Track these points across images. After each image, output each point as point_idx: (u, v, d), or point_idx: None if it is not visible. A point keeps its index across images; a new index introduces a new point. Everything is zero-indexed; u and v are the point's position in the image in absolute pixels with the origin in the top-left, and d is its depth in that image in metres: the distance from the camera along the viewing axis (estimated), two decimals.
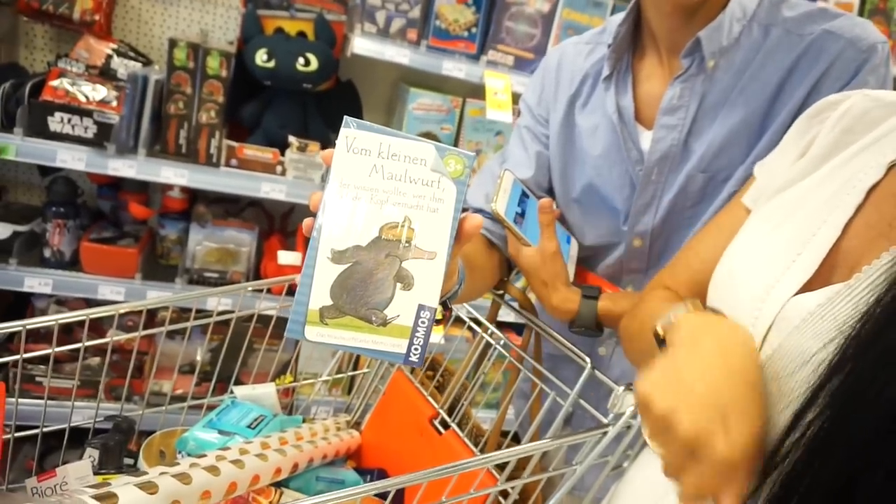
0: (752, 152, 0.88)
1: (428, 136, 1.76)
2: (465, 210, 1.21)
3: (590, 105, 1.01)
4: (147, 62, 1.71)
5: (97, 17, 1.64)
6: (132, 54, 1.69)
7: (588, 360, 0.87)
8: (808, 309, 0.52)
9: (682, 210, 0.94)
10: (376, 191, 0.58)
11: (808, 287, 0.54)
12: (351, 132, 0.58)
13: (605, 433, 0.74)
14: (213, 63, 1.55)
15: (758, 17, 0.89)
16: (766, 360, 0.54)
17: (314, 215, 0.59)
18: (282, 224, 1.91)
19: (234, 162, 1.62)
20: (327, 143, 1.74)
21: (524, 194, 1.00)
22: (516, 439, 1.12)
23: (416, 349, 0.58)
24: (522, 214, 0.99)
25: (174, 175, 1.57)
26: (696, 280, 0.67)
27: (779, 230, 0.62)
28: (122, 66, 1.66)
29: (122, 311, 0.89)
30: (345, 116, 0.60)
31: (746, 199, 0.72)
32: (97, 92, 1.57)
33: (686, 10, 0.86)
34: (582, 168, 1.01)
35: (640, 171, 0.95)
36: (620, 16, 0.96)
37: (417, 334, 0.58)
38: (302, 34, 1.66)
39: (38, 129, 1.51)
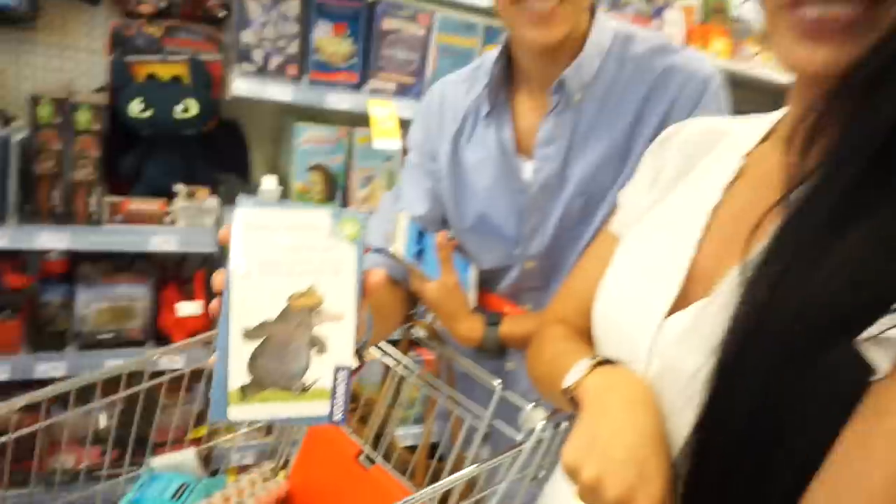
0: (621, 175, 0.97)
1: (318, 168, 1.77)
2: (366, 250, 1.25)
3: (473, 140, 1.07)
4: (6, 120, 1.60)
5: None
6: None
7: (498, 382, 0.93)
8: (682, 327, 0.58)
9: (567, 231, 1.02)
10: (278, 263, 0.60)
11: (678, 306, 0.60)
12: (245, 211, 0.60)
13: (520, 451, 0.80)
14: (82, 117, 1.48)
15: (612, 53, 0.98)
16: (651, 381, 0.60)
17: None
18: (176, 272, 1.84)
19: (118, 217, 1.55)
20: (216, 186, 1.71)
21: (420, 232, 1.04)
22: (442, 458, 1.16)
23: (338, 408, 0.61)
24: (421, 251, 1.03)
25: (53, 239, 1.48)
26: (582, 309, 0.73)
27: (642, 256, 0.69)
28: None
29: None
30: (239, 195, 0.61)
31: (613, 227, 0.79)
32: None
33: (549, 51, 0.94)
34: (472, 199, 1.07)
35: (526, 200, 1.02)
36: (494, 52, 1.03)
37: (337, 394, 0.61)
38: (176, 79, 1.61)
39: None
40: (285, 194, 1.75)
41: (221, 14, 1.69)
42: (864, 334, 0.43)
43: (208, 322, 1.72)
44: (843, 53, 0.48)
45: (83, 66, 1.78)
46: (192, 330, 1.71)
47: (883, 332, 0.42)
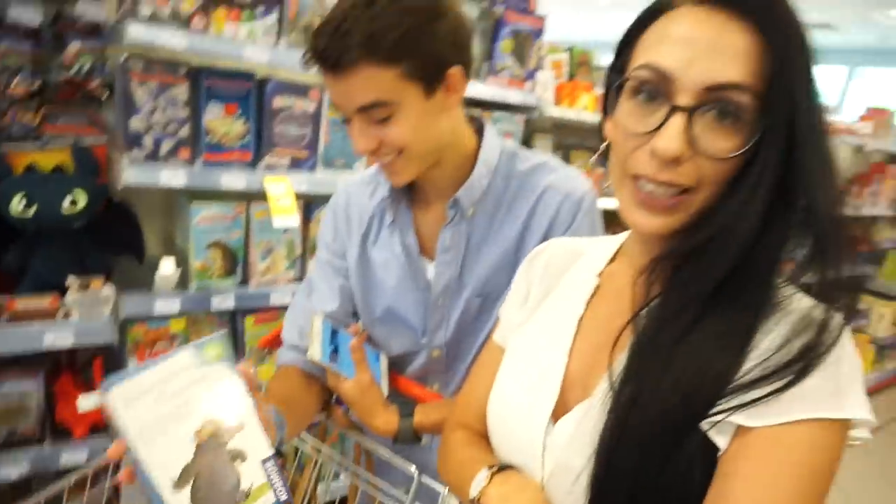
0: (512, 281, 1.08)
1: (217, 245, 1.78)
2: (268, 344, 1.31)
3: (380, 241, 1.15)
4: None
5: None
6: None
7: (415, 468, 1.02)
8: (568, 431, 0.68)
9: (467, 326, 1.12)
10: (169, 415, 0.66)
11: (558, 410, 0.70)
12: (117, 389, 0.65)
13: None
14: None
15: (499, 171, 1.09)
16: (545, 481, 0.69)
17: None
18: (70, 361, 1.77)
19: (4, 318, 1.49)
20: (110, 273, 1.67)
21: (334, 331, 1.12)
22: None
23: (280, 491, 0.69)
24: (336, 350, 1.11)
25: None
26: (480, 415, 0.83)
27: (523, 367, 0.78)
28: None
29: None
30: (102, 378, 0.65)
31: (497, 338, 0.89)
32: None
33: (420, 180, 1.06)
34: (381, 295, 1.16)
35: (429, 297, 1.12)
36: None
37: (274, 481, 0.69)
38: (59, 168, 1.56)
39: None
40: (185, 274, 1.74)
41: (104, 96, 1.65)
42: (706, 422, 0.58)
43: None
44: (668, 222, 0.64)
45: None
46: (92, 422, 1.66)
47: (719, 419, 0.58)
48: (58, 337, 1.53)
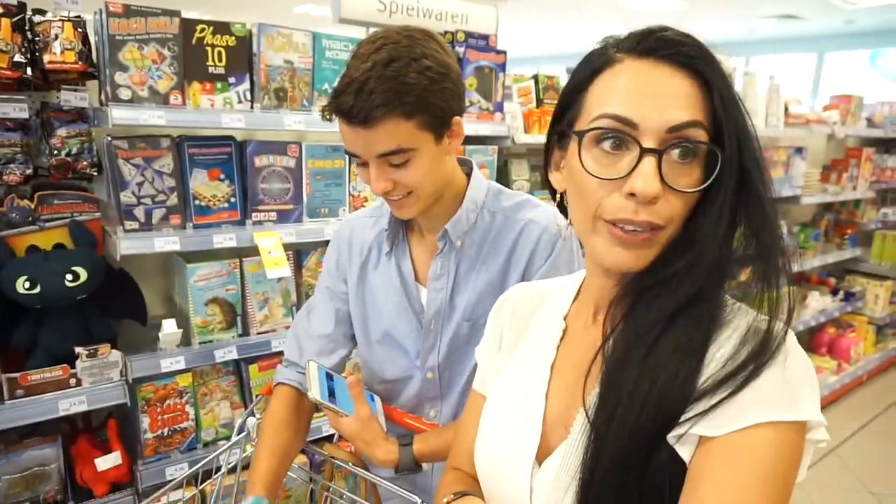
0: None
1: (216, 300, 1.87)
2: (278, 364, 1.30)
3: (379, 269, 1.26)
4: None
5: None
6: None
7: (417, 499, 1.08)
8: (553, 471, 0.71)
9: (458, 349, 1.21)
10: None
11: (542, 451, 0.74)
12: None
13: None
14: None
15: (486, 206, 1.20)
16: None
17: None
18: (85, 424, 1.86)
19: (19, 392, 1.57)
20: (116, 338, 1.76)
21: (328, 375, 1.21)
22: None
23: None
24: (333, 391, 1.19)
25: None
26: (469, 459, 0.87)
27: (503, 413, 0.82)
28: None
29: None
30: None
31: (477, 386, 0.94)
32: None
33: (421, 216, 1.16)
34: (378, 319, 1.26)
35: (423, 321, 1.21)
36: None
37: None
38: (59, 245, 1.66)
39: None
40: (187, 331, 1.83)
41: (94, 172, 1.76)
42: (671, 436, 0.63)
43: (128, 471, 1.76)
44: (643, 256, 0.69)
45: None
46: (112, 480, 1.74)
47: (682, 432, 0.63)
48: (72, 403, 1.62)
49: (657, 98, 0.65)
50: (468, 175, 1.21)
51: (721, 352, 0.65)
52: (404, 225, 1.24)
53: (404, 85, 0.99)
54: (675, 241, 0.69)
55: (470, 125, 2.28)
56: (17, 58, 1.55)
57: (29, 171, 1.70)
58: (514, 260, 1.17)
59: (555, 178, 0.78)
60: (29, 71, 1.58)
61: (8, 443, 1.70)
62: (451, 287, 1.20)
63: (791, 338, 0.65)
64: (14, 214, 1.64)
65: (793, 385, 0.62)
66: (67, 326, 1.66)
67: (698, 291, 0.66)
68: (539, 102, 2.78)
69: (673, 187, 0.65)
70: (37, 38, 1.59)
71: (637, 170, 0.65)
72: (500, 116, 2.37)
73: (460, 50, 2.24)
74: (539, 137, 2.51)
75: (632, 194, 0.65)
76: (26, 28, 1.59)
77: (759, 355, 0.62)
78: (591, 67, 0.71)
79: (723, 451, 0.61)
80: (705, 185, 0.66)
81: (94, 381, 1.67)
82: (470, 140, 2.36)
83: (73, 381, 1.64)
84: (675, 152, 0.65)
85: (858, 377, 4.40)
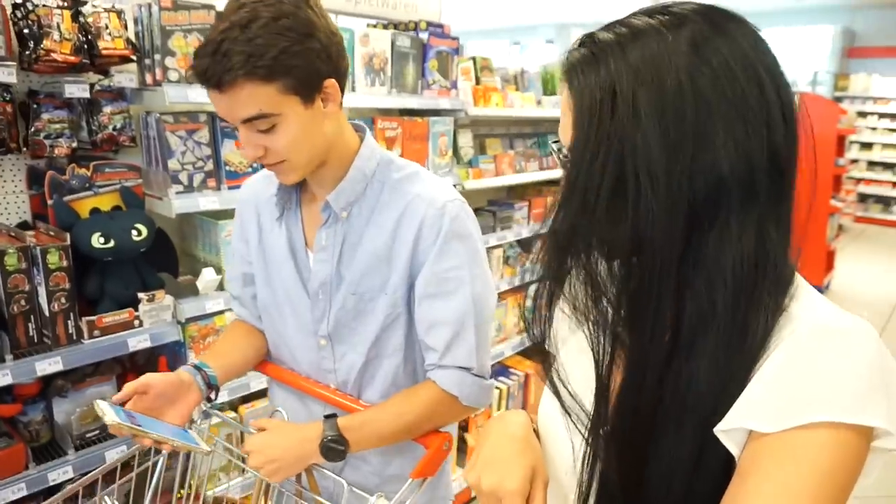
0: (388, 284, 1.15)
1: None
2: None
3: (273, 232, 1.24)
4: None
5: None
6: None
7: (344, 482, 1.11)
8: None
9: (347, 321, 1.20)
10: None
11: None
12: None
13: None
14: (53, 258, 1.75)
15: (377, 176, 1.17)
16: (585, 488, 0.70)
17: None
18: (132, 363, 2.13)
19: (96, 333, 1.85)
20: (163, 285, 2.05)
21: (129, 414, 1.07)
22: None
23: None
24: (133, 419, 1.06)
25: (49, 365, 1.74)
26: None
27: (570, 377, 0.76)
28: None
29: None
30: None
31: (550, 344, 0.82)
32: None
33: (310, 176, 1.15)
34: (279, 282, 1.26)
35: (310, 290, 1.21)
36: None
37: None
38: (117, 207, 1.93)
39: None
40: (222, 280, 2.15)
41: (132, 145, 2.02)
42: (718, 429, 0.59)
43: None
44: None
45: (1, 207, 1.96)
46: None
47: (730, 427, 0.58)
48: (139, 341, 1.92)
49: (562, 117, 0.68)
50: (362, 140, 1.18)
51: (785, 342, 0.59)
52: (297, 189, 1.21)
53: (259, 47, 0.94)
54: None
55: (433, 100, 2.72)
56: (76, 45, 1.79)
57: (74, 145, 1.94)
58: (400, 233, 1.13)
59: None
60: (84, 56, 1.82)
61: (74, 381, 1.95)
62: (338, 258, 1.17)
63: (866, 332, 0.59)
64: (74, 182, 1.88)
65: (862, 386, 0.56)
66: (128, 276, 1.94)
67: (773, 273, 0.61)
68: (477, 80, 3.25)
69: None
70: (89, 28, 1.84)
71: None
72: (455, 93, 2.82)
73: (424, 36, 2.66)
74: (484, 110, 3.00)
75: None
76: (80, 19, 1.82)
77: (822, 348, 0.57)
78: None
79: (776, 447, 0.56)
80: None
81: (152, 321, 1.96)
82: (432, 112, 2.80)
83: (136, 322, 1.93)
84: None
85: None
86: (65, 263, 1.78)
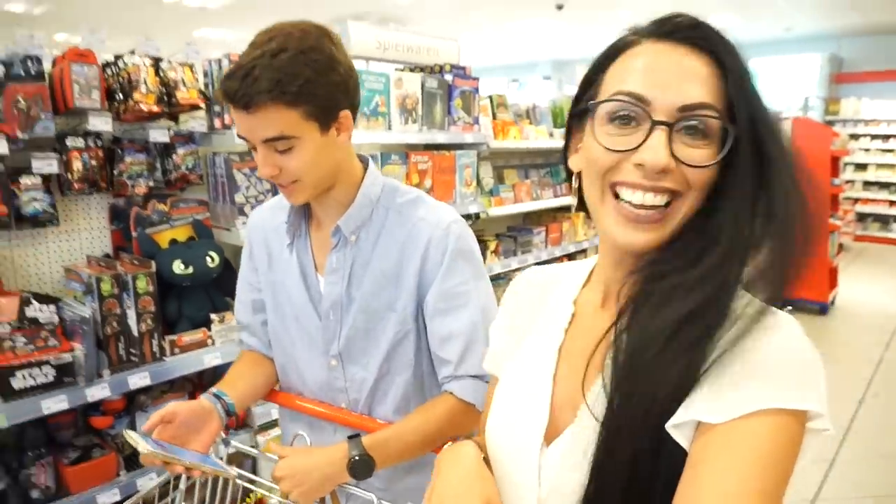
0: (397, 303, 1.20)
1: None
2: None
3: (283, 259, 1.29)
4: (51, 299, 1.98)
5: None
6: (34, 299, 1.95)
7: (373, 496, 1.11)
8: (561, 452, 0.71)
9: (357, 340, 1.23)
10: None
11: (549, 433, 0.74)
12: None
13: None
14: (141, 284, 1.97)
15: (381, 202, 1.22)
16: (542, 500, 0.73)
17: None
18: (199, 382, 2.33)
19: (176, 351, 2.05)
20: (230, 308, 2.27)
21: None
22: None
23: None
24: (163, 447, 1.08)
25: (139, 379, 1.94)
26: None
27: (513, 395, 0.82)
28: (36, 312, 1.91)
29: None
30: None
31: (489, 366, 0.92)
32: (34, 341, 1.83)
33: (315, 202, 1.20)
34: (289, 307, 1.29)
35: (321, 311, 1.24)
36: None
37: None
38: (191, 238, 2.16)
39: (6, 393, 1.73)
40: None
41: (199, 182, 2.26)
42: (669, 424, 0.62)
43: (245, 413, 2.27)
44: (653, 237, 0.67)
45: (88, 240, 2.19)
46: (231, 422, 2.24)
47: (680, 421, 0.61)
48: (212, 358, 2.12)
49: (673, 78, 0.65)
50: (366, 171, 1.23)
51: (723, 338, 0.63)
52: (306, 217, 1.26)
53: (288, 75, 1.01)
54: (691, 230, 0.67)
55: (458, 135, 2.98)
56: (159, 96, 2.05)
57: (151, 184, 2.18)
58: (406, 254, 1.19)
59: (572, 161, 0.77)
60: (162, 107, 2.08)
61: (154, 397, 2.15)
62: (347, 280, 1.21)
63: (793, 325, 0.64)
64: (154, 216, 2.12)
65: (794, 373, 0.60)
66: (201, 299, 2.15)
67: (719, 287, 0.63)
68: (494, 116, 3.53)
69: (684, 162, 0.64)
70: (168, 81, 2.10)
71: (647, 142, 0.65)
72: (477, 128, 3.08)
73: (449, 77, 2.93)
74: (503, 143, 3.26)
75: (640, 165, 0.65)
76: (160, 73, 2.09)
77: (756, 341, 0.61)
78: (611, 49, 0.72)
79: (723, 437, 0.59)
80: (715, 161, 0.65)
81: (222, 340, 2.17)
82: (457, 146, 3.05)
83: (209, 341, 2.14)
84: (686, 129, 0.65)
85: None
86: (151, 288, 1.99)
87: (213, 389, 1.25)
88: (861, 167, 10.66)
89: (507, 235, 3.54)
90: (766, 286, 0.65)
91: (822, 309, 6.19)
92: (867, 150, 10.55)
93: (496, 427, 0.82)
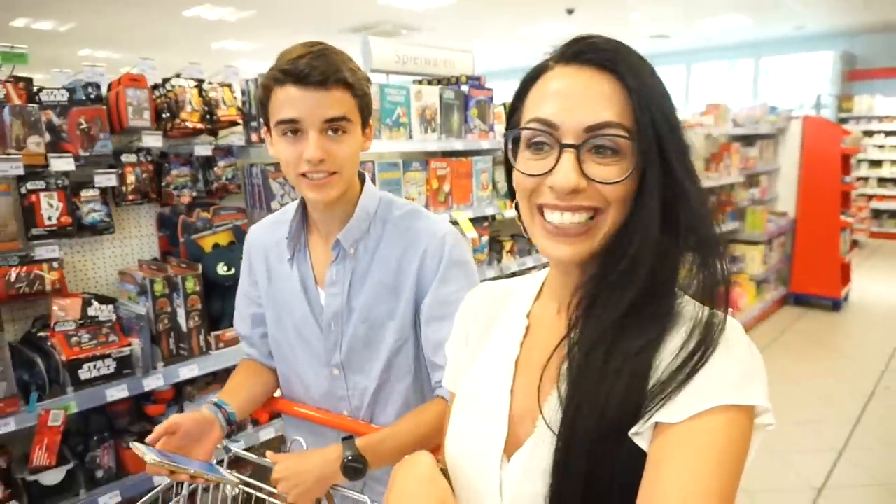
0: (396, 311, 1.24)
1: None
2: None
3: (283, 273, 1.32)
4: (108, 300, 2.18)
5: (57, 284, 2.06)
6: (94, 300, 2.15)
7: (366, 498, 1.12)
8: (522, 463, 0.73)
9: (358, 350, 1.27)
10: None
11: (509, 445, 0.75)
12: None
13: None
14: (189, 284, 2.17)
15: (379, 215, 1.26)
16: None
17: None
18: None
19: (221, 345, 2.25)
20: None
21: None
22: None
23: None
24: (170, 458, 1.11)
25: (190, 371, 2.14)
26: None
27: (471, 409, 0.83)
28: (97, 311, 2.12)
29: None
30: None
31: (447, 383, 0.93)
32: (97, 337, 2.03)
33: (329, 207, 1.20)
34: (290, 319, 1.33)
35: (322, 323, 1.27)
36: (293, 206, 1.31)
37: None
38: (232, 242, 2.36)
39: (75, 383, 1.93)
40: None
41: (237, 191, 2.47)
42: (632, 430, 0.64)
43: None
44: (582, 249, 0.71)
45: (138, 246, 2.40)
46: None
47: (643, 424, 0.64)
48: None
49: (577, 99, 0.68)
50: (363, 184, 1.27)
51: (673, 343, 0.66)
52: (305, 230, 1.30)
53: (350, 69, 1.12)
54: (618, 238, 0.70)
55: (474, 142, 3.16)
56: (202, 114, 2.25)
57: (194, 194, 2.39)
58: (404, 264, 1.23)
59: (515, 178, 0.78)
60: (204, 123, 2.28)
61: (199, 388, 2.35)
62: (347, 291, 1.25)
63: (736, 327, 0.68)
64: (199, 223, 2.32)
65: (741, 371, 0.64)
66: None
67: (650, 287, 0.68)
68: None
69: (595, 179, 0.68)
70: (209, 100, 2.30)
71: (557, 166, 0.68)
72: (492, 135, 3.26)
73: (465, 88, 3.11)
74: None
75: (552, 188, 0.69)
76: (203, 94, 2.29)
77: (704, 343, 0.65)
78: (530, 75, 0.75)
79: (679, 436, 0.62)
80: (625, 176, 0.67)
81: None
82: (474, 153, 3.23)
83: None
84: (594, 148, 0.68)
85: (746, 323, 5.64)
86: (198, 288, 2.20)
87: (215, 399, 1.30)
88: (876, 164, 10.67)
89: (521, 236, 3.70)
90: (698, 292, 0.69)
91: (835, 305, 6.27)
92: (881, 146, 10.56)
93: (456, 442, 0.83)
